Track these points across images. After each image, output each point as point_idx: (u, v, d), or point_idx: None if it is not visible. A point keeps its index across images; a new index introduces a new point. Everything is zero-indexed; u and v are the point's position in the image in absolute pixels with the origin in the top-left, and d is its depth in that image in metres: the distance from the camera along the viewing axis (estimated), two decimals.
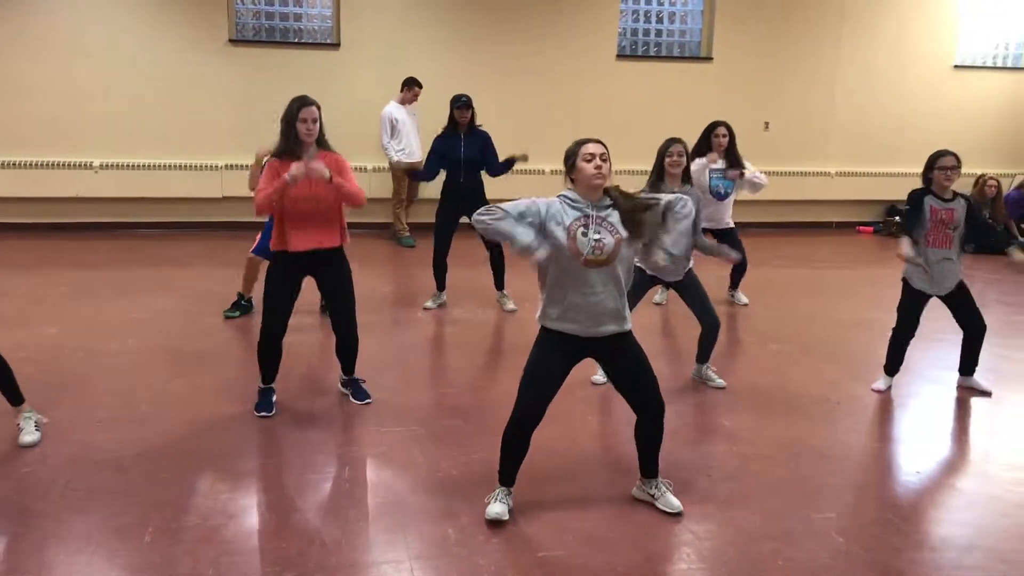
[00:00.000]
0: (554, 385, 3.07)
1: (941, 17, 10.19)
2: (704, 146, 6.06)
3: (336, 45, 8.97)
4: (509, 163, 5.92)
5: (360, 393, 4.28)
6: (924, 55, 10.21)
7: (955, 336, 4.71)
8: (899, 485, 3.60)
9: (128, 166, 8.60)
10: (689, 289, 4.53)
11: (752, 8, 9.70)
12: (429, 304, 6.15)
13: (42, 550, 2.84)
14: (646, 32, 9.80)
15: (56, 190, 8.50)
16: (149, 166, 8.64)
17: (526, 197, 3.05)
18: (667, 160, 4.46)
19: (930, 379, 4.88)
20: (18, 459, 3.50)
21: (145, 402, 4.19)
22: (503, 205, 2.99)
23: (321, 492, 3.36)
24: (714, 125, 6.06)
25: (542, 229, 2.96)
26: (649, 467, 3.24)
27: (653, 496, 3.23)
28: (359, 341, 4.22)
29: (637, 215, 3.01)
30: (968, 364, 4.66)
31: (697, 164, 5.86)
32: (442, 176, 6.03)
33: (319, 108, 3.87)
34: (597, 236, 2.95)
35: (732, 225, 6.19)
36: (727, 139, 6.00)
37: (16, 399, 3.68)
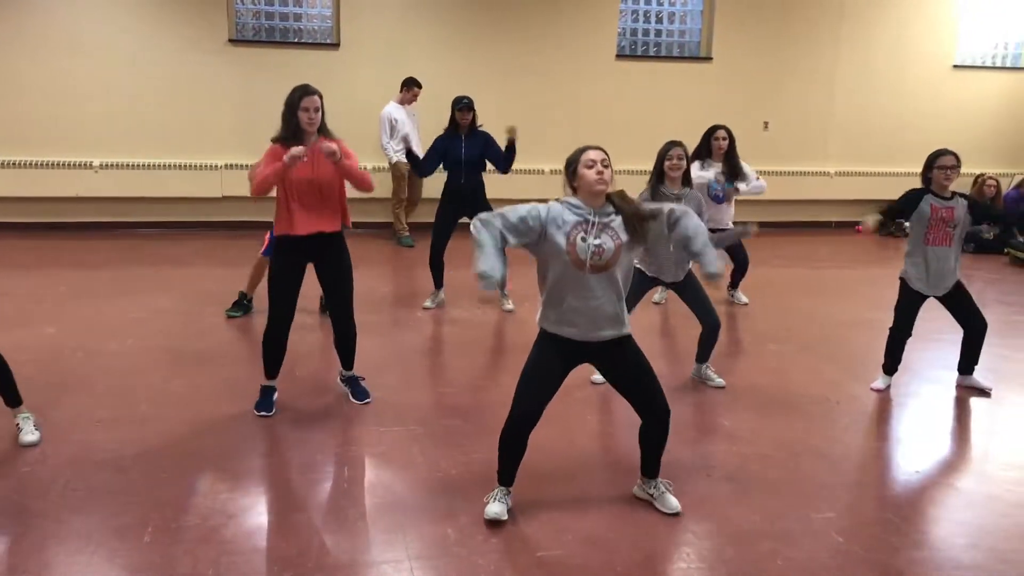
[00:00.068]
0: (552, 387, 3.07)
1: (941, 17, 10.18)
2: (704, 150, 6.06)
3: (336, 45, 8.97)
4: (511, 148, 5.84)
5: (360, 392, 4.29)
6: (924, 55, 10.21)
7: (954, 336, 4.72)
8: (898, 485, 3.60)
9: (128, 166, 8.59)
10: (689, 289, 4.53)
11: (752, 8, 9.70)
12: (428, 304, 6.17)
13: (42, 550, 2.85)
14: (646, 32, 9.80)
15: (56, 190, 8.50)
16: (149, 166, 8.63)
17: (526, 197, 3.05)
18: (667, 164, 4.47)
19: (929, 379, 4.89)
20: (18, 459, 3.50)
21: (145, 402, 4.19)
22: (504, 209, 3.00)
23: (321, 492, 3.36)
24: (714, 129, 6.05)
25: (543, 233, 2.97)
26: (650, 467, 3.25)
27: (652, 496, 3.24)
28: (357, 336, 4.23)
29: (640, 222, 3.02)
30: (968, 363, 4.66)
31: (697, 177, 5.78)
32: (443, 177, 6.04)
33: (321, 97, 3.86)
34: (597, 241, 2.96)
35: (732, 226, 6.19)
36: (727, 142, 6.00)
37: (14, 400, 3.68)
